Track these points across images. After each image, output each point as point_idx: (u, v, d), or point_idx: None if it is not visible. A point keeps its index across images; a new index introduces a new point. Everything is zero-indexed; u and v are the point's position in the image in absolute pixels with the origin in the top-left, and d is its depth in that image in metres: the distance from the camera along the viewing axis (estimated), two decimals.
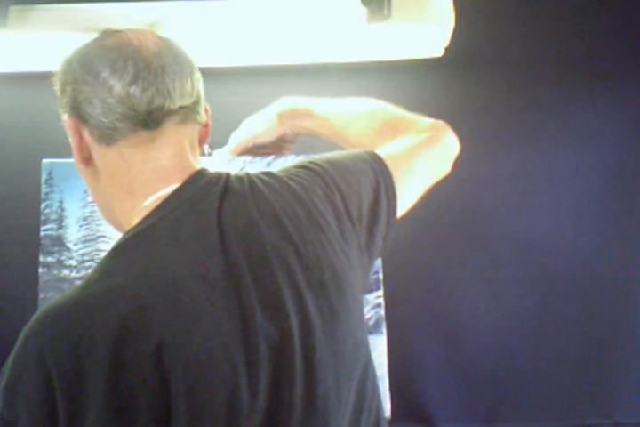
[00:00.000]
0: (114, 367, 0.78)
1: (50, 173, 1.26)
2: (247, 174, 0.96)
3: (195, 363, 0.81)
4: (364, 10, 1.47)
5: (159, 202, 0.89)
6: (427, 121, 1.13)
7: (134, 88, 0.88)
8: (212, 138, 1.32)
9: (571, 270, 1.76)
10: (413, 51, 1.60)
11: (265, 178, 0.95)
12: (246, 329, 0.84)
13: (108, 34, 0.92)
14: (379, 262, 1.30)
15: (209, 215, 0.88)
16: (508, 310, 1.75)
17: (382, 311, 1.32)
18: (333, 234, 0.92)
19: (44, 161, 1.27)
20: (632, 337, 1.76)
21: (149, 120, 0.89)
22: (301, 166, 0.99)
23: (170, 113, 0.91)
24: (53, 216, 1.27)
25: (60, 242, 1.34)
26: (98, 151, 0.92)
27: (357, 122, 1.16)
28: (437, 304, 1.74)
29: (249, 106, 1.28)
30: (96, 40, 0.93)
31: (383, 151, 1.05)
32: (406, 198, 1.05)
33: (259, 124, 1.25)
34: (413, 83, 1.76)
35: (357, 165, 1.01)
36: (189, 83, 0.92)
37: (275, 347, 0.84)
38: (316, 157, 1.03)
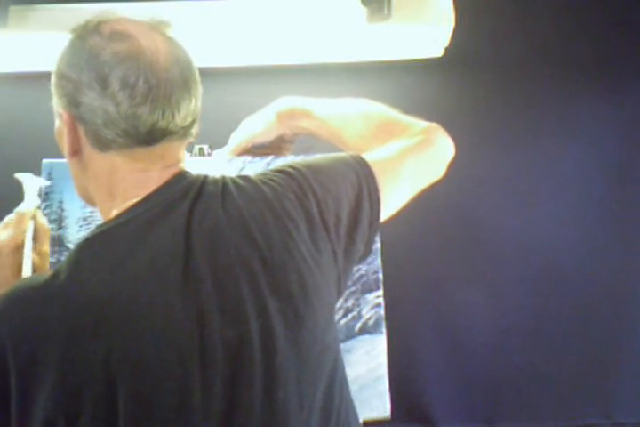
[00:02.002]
0: (63, 360, 0.80)
1: (50, 173, 1.26)
2: (223, 177, 0.96)
3: (144, 366, 0.81)
4: (364, 10, 1.47)
5: (136, 201, 0.90)
6: (421, 124, 1.12)
7: (142, 109, 0.88)
8: (211, 138, 1.32)
9: (570, 270, 1.76)
10: (413, 51, 1.60)
11: (239, 182, 0.95)
12: (203, 333, 0.84)
13: (119, 36, 0.90)
14: (379, 262, 1.30)
15: (180, 218, 0.89)
16: (508, 309, 1.75)
17: (382, 311, 1.32)
18: (302, 239, 0.92)
19: (44, 161, 1.26)
20: (632, 337, 1.76)
21: (149, 139, 0.90)
22: (279, 170, 0.98)
23: (170, 133, 0.92)
24: (53, 216, 1.27)
25: (60, 242, 1.33)
26: (88, 150, 0.93)
27: (354, 124, 1.15)
28: (437, 304, 1.74)
29: (248, 106, 1.28)
30: (107, 41, 0.90)
31: (371, 155, 1.04)
32: (392, 203, 1.04)
33: (258, 124, 1.25)
34: (413, 83, 1.76)
35: (339, 170, 1.00)
36: (193, 103, 0.93)
37: (232, 351, 0.84)
38: (297, 160, 1.03)
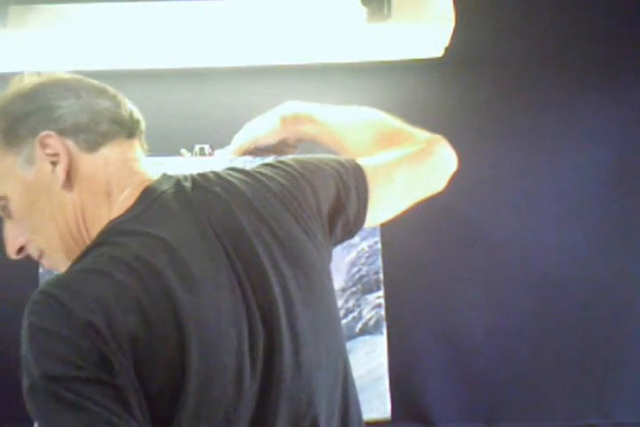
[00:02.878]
0: (142, 323, 0.81)
1: None
2: (211, 171, 1.00)
3: (207, 327, 0.84)
4: (364, 10, 1.47)
5: (140, 193, 0.93)
6: (423, 135, 1.13)
7: (115, 103, 0.97)
8: (212, 138, 1.32)
9: (571, 270, 1.76)
10: (413, 51, 1.60)
11: (231, 172, 1.00)
12: (244, 298, 0.88)
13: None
14: (379, 263, 1.31)
15: (190, 204, 0.93)
16: (508, 310, 1.75)
17: (382, 311, 1.32)
18: (302, 218, 0.97)
19: None
20: (632, 337, 1.76)
21: (129, 130, 0.97)
22: (268, 164, 1.03)
23: (139, 131, 0.99)
24: None
25: None
26: (79, 161, 0.94)
27: (356, 132, 1.17)
28: (437, 304, 1.74)
29: (249, 106, 1.28)
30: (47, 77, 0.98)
31: (366, 160, 1.06)
32: (381, 208, 1.06)
33: (261, 127, 1.25)
34: (413, 83, 1.75)
35: (328, 166, 1.03)
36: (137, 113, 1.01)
37: (265, 315, 0.89)
38: (285, 158, 1.07)
